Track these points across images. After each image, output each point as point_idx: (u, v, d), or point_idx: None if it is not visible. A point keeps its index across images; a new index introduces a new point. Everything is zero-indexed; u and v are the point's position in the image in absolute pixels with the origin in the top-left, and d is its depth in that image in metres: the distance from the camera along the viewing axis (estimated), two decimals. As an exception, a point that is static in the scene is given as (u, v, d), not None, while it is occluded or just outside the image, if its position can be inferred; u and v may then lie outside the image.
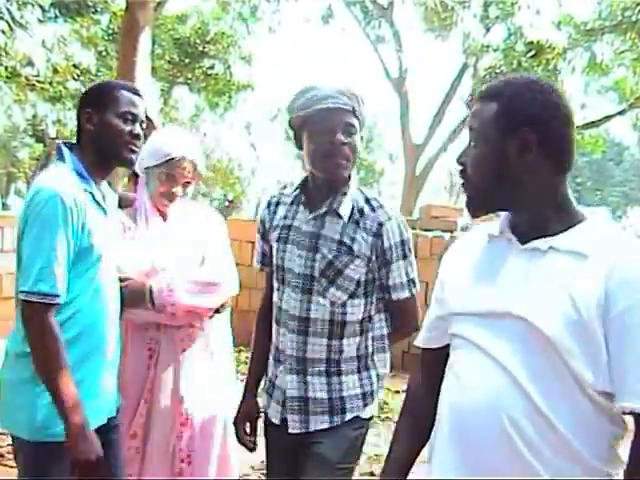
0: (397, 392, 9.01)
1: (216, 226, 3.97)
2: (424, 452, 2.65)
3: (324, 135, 3.17)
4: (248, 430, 3.58)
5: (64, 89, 24.17)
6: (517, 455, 2.07)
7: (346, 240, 3.24)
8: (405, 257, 3.32)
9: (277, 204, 3.49)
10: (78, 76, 23.99)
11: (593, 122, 27.27)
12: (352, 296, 3.27)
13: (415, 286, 3.42)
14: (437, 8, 21.43)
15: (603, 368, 1.98)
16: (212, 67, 29.17)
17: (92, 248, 3.06)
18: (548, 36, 21.47)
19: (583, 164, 48.66)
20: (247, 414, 3.56)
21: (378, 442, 7.14)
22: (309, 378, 3.30)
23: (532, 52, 22.54)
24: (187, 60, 28.43)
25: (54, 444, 2.97)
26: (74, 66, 23.07)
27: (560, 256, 2.10)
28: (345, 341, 3.31)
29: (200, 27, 27.91)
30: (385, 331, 3.50)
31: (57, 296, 2.92)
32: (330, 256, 3.23)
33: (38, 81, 22.71)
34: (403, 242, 3.30)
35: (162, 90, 28.29)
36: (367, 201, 3.32)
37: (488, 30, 24.11)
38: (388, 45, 27.50)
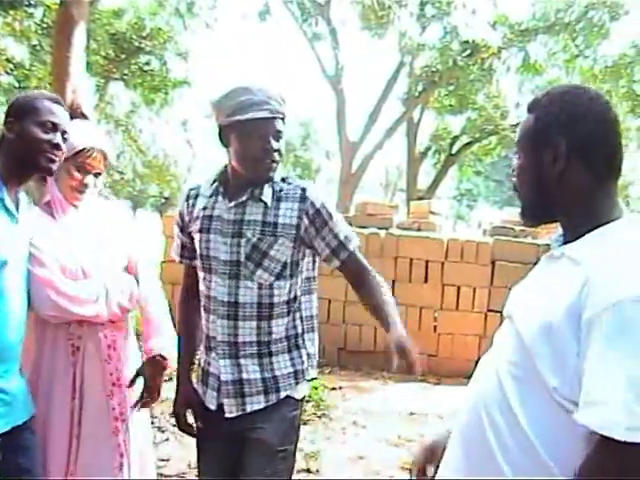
0: (333, 389, 9.04)
1: (127, 221, 3.99)
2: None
3: (257, 141, 3.23)
4: (191, 418, 3.62)
5: (-5, 83, 23.86)
6: (488, 450, 2.12)
7: (270, 219, 3.29)
8: (332, 217, 3.37)
9: (196, 196, 3.52)
10: (11, 70, 23.65)
11: (527, 121, 27.60)
12: (278, 277, 3.33)
13: (351, 241, 3.49)
14: (374, 6, 21.51)
15: (571, 375, 1.97)
16: (148, 63, 28.96)
17: None
18: (483, 36, 21.70)
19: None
20: (187, 401, 3.60)
21: (315, 439, 7.15)
22: (242, 361, 3.34)
23: (467, 51, 22.78)
24: (123, 55, 28.18)
25: None
26: (7, 60, 22.74)
27: (565, 262, 2.14)
28: (274, 322, 3.35)
29: (136, 22, 27.68)
30: (314, 312, 3.57)
31: None
32: (254, 239, 3.28)
33: (-30, 75, 22.38)
34: (325, 204, 3.36)
35: (97, 86, 28.01)
36: (283, 180, 3.40)
37: (424, 29, 24.26)
38: (325, 43, 27.54)
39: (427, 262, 10.28)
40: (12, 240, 3.15)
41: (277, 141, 3.28)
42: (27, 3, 22.90)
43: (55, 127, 3.20)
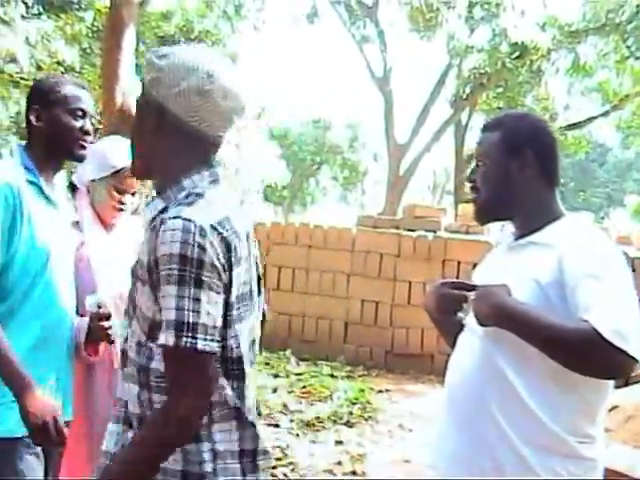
0: (380, 392, 9.02)
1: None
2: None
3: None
4: None
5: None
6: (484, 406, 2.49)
7: None
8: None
9: None
10: (62, 73, 23.87)
11: (576, 123, 27.37)
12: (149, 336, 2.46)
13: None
14: (422, 8, 21.43)
15: None
16: (197, 65, 29.08)
17: (35, 239, 3.02)
18: (532, 37, 21.49)
19: (566, 165, 48.82)
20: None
21: (361, 441, 7.13)
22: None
23: (516, 53, 22.58)
24: (171, 58, 28.32)
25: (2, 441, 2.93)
26: (58, 63, 22.94)
27: (534, 248, 2.57)
28: (155, 396, 2.31)
29: (184, 25, 27.84)
30: (231, 398, 2.39)
31: None
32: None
33: (22, 78, 22.58)
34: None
35: (146, 88, 28.20)
36: None
37: (473, 31, 24.11)
38: (373, 45, 27.49)
39: (475, 265, 10.22)
40: (55, 226, 3.14)
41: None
42: (78, 7, 23.15)
43: (84, 113, 3.19)
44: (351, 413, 7.97)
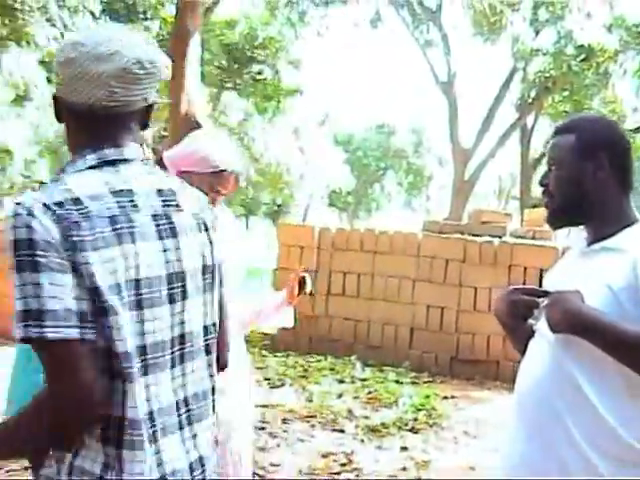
0: (445, 398, 8.96)
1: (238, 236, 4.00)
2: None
3: None
4: None
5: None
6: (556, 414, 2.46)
7: None
8: None
9: None
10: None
11: (645, 126, 27.00)
12: None
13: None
14: (486, 11, 21.31)
15: None
16: (260, 72, 29.31)
17: None
18: (599, 39, 21.26)
19: (635, 169, 48.21)
20: None
21: (426, 448, 7.10)
22: None
23: (582, 55, 22.35)
24: (236, 65, 28.60)
25: None
26: (124, 71, 23.26)
27: (608, 254, 2.52)
28: None
29: (249, 32, 28.05)
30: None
31: None
32: None
33: (89, 87, 22.91)
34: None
35: (211, 95, 28.48)
36: None
37: (538, 33, 23.93)
38: (436, 49, 27.43)
39: (541, 270, 10.10)
40: None
41: None
42: (144, 16, 23.46)
43: None
44: (416, 419, 7.94)
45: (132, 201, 1.99)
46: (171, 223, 2.04)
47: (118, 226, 1.92)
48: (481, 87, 42.38)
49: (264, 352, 10.49)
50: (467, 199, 26.63)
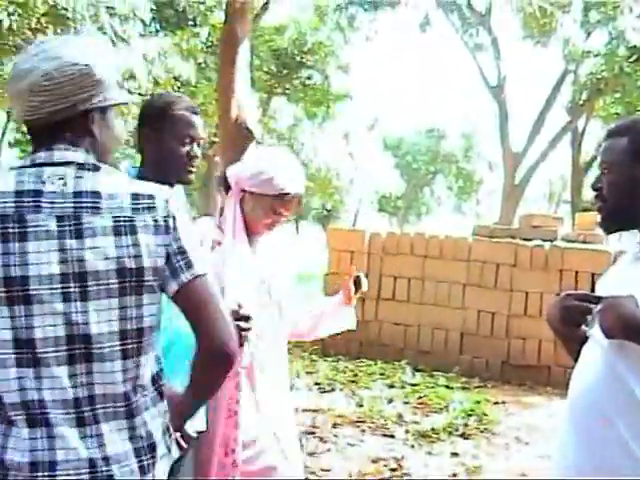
0: (496, 403, 8.90)
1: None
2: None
3: None
4: None
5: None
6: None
7: None
8: None
9: None
10: (178, 88, 24.34)
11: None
12: None
13: None
14: (536, 14, 21.15)
15: None
16: (310, 77, 29.38)
17: None
18: (651, 39, 21.01)
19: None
20: None
21: (477, 453, 7.05)
22: None
23: (634, 56, 22.08)
24: (285, 71, 28.69)
25: None
26: (174, 78, 23.43)
27: None
28: None
29: (298, 38, 28.13)
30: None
31: None
32: None
33: (140, 94, 23.17)
34: None
35: (260, 101, 28.56)
36: None
37: (589, 35, 23.73)
38: (486, 52, 27.31)
39: (593, 275, 9.99)
40: None
41: None
42: (193, 23, 23.63)
43: (192, 139, 3.25)
44: (467, 425, 7.90)
45: (36, 202, 2.05)
46: (79, 225, 2.05)
47: (4, 225, 2.02)
48: (531, 90, 42.02)
49: (314, 357, 10.51)
50: (517, 203, 26.45)
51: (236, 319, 3.19)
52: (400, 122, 55.76)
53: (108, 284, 2.06)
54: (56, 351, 2.02)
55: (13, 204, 2.03)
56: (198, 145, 3.29)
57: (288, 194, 3.51)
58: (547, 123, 26.77)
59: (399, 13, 26.16)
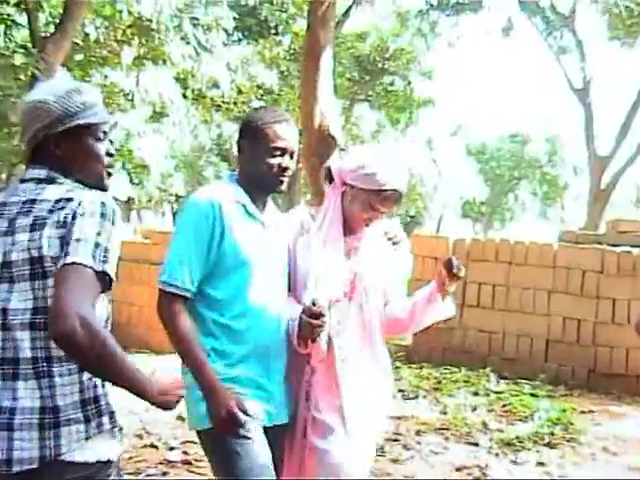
0: (583, 412, 8.75)
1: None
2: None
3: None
4: None
5: (248, 109, 24.82)
6: None
7: None
8: None
9: None
10: (262, 96, 24.61)
11: None
12: None
13: None
14: (622, 14, 20.81)
15: None
16: (392, 83, 29.37)
17: (236, 253, 3.29)
18: None
19: None
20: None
21: (562, 463, 6.94)
22: None
23: None
24: (367, 77, 28.72)
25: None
26: (257, 86, 23.66)
27: None
28: None
29: (379, 44, 28.15)
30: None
31: (178, 287, 3.21)
32: None
33: (223, 102, 23.44)
34: None
35: (343, 107, 28.63)
36: None
37: (677, 36, 23.26)
38: (571, 55, 26.95)
39: (683, 281, 9.80)
40: (258, 242, 3.35)
41: None
42: (275, 31, 23.81)
43: (284, 151, 3.36)
44: (552, 434, 7.78)
45: (1, 209, 2.62)
46: (13, 225, 2.55)
47: None
48: (618, 93, 41.33)
49: (398, 363, 10.46)
50: (604, 208, 26.03)
51: (308, 315, 3.31)
52: (483, 127, 55.30)
53: (23, 270, 2.51)
54: None
55: None
56: (291, 156, 3.42)
57: (386, 190, 3.50)
58: (634, 126, 26.31)
59: (481, 17, 25.94)
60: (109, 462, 2.58)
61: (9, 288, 2.51)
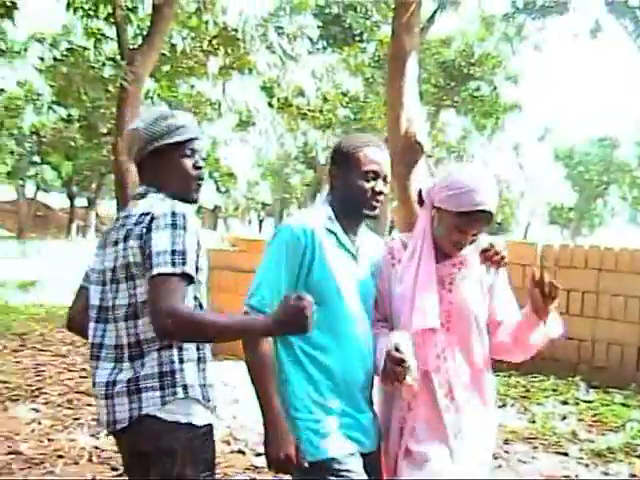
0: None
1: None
2: None
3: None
4: None
5: (333, 117, 24.92)
6: None
7: None
8: None
9: None
10: (347, 103, 24.69)
11: None
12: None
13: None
14: None
15: None
16: (478, 89, 29.20)
17: (326, 281, 3.32)
18: None
19: None
20: None
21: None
22: None
23: None
24: (453, 83, 28.62)
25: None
26: (343, 94, 23.75)
27: None
28: None
29: (465, 49, 28.02)
30: None
31: (262, 312, 3.22)
32: None
33: (309, 110, 23.56)
34: None
35: (429, 114, 28.55)
36: None
37: None
38: (662, 57, 26.44)
39: None
40: (347, 274, 3.35)
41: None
42: (360, 39, 23.86)
43: (377, 175, 3.37)
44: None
45: (117, 221, 3.24)
46: (119, 236, 3.13)
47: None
48: None
49: (485, 372, 10.35)
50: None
51: (390, 361, 3.27)
52: (571, 131, 54.72)
53: (121, 274, 3.08)
54: None
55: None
56: (384, 181, 3.40)
57: (471, 212, 3.32)
58: None
59: (568, 20, 25.61)
60: (191, 425, 3.03)
61: (116, 288, 3.09)
